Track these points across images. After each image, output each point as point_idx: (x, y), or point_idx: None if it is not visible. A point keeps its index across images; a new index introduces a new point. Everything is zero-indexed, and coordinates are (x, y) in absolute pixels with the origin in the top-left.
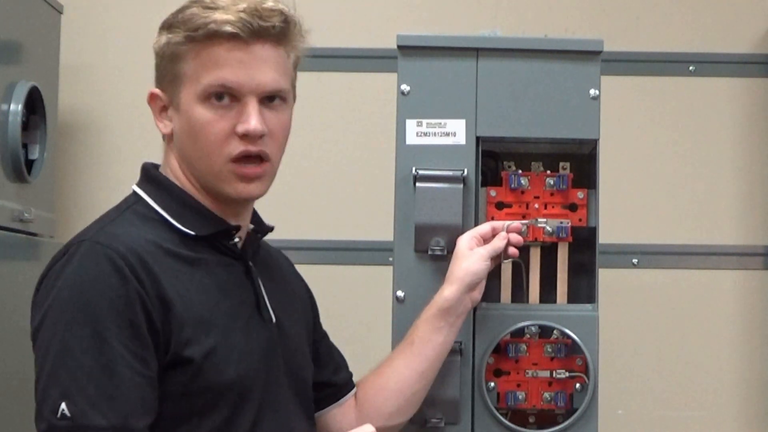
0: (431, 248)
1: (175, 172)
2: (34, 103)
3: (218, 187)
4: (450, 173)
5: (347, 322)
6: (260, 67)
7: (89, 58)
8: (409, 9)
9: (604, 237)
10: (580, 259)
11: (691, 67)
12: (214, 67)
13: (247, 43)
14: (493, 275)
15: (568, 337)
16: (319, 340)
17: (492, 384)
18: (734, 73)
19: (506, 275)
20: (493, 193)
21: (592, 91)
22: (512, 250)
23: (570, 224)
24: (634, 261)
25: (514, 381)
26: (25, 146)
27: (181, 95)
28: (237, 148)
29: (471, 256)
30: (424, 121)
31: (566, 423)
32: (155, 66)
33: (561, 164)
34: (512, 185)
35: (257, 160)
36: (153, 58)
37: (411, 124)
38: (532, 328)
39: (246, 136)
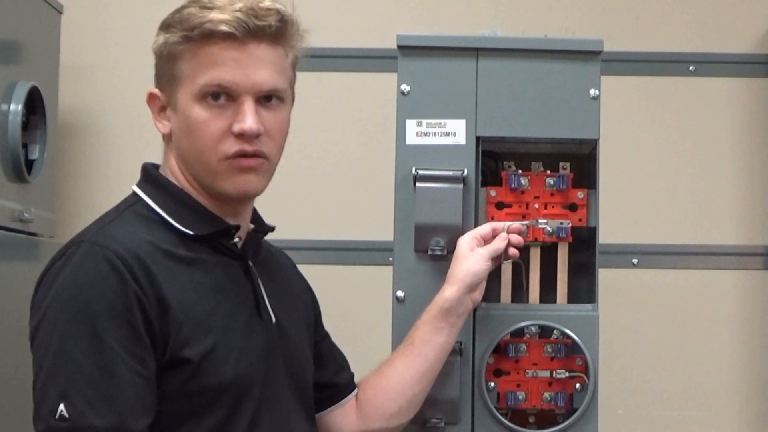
0: (431, 248)
1: (174, 172)
2: (34, 103)
3: (216, 185)
4: (450, 173)
5: (347, 322)
6: (256, 67)
7: (89, 58)
8: (409, 9)
9: (604, 237)
10: (580, 259)
11: (691, 67)
12: (211, 66)
13: (243, 42)
14: (493, 275)
15: (568, 337)
16: (320, 340)
17: (492, 384)
18: (734, 73)
19: (506, 275)
20: (493, 193)
21: (592, 91)
22: (513, 251)
23: (570, 225)
24: (634, 261)
25: (514, 381)
26: (25, 146)
27: (178, 95)
28: (233, 147)
29: (471, 257)
30: (424, 121)
31: (566, 423)
32: (154, 66)
33: (561, 164)
34: (512, 185)
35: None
36: (153, 58)
37: (411, 124)
38: (532, 328)
39: (242, 136)
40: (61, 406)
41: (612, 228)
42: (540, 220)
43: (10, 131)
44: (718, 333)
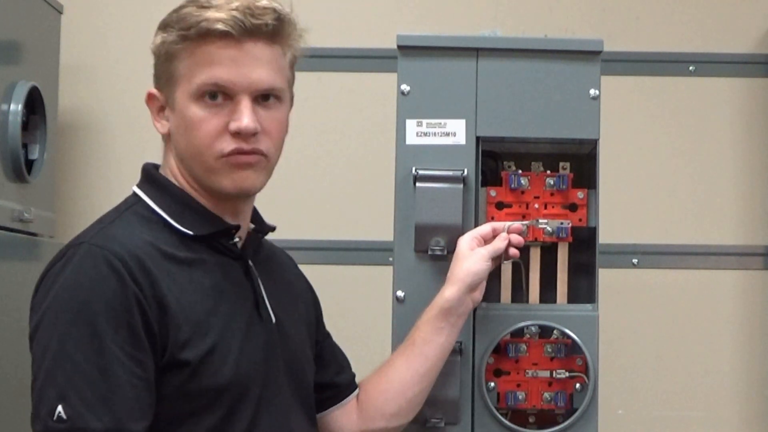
0: (431, 248)
1: (174, 172)
2: (34, 103)
3: (214, 182)
4: (450, 173)
5: (347, 322)
6: (253, 66)
7: (89, 58)
8: (409, 9)
9: (604, 237)
10: (580, 259)
11: (691, 67)
12: (207, 65)
13: (240, 41)
14: (493, 275)
15: (568, 337)
16: (322, 340)
17: (492, 384)
18: (734, 73)
19: (506, 275)
20: (493, 193)
21: (592, 91)
22: (513, 251)
23: (570, 225)
24: (634, 261)
25: (514, 381)
26: (25, 146)
27: (176, 94)
28: (230, 145)
29: (472, 257)
30: (424, 121)
31: (566, 423)
32: (153, 66)
33: (561, 164)
34: (512, 185)
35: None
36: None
37: (411, 124)
38: (532, 328)
39: (239, 134)
40: (59, 408)
41: (612, 228)
42: (541, 221)
43: (10, 131)
44: (718, 333)
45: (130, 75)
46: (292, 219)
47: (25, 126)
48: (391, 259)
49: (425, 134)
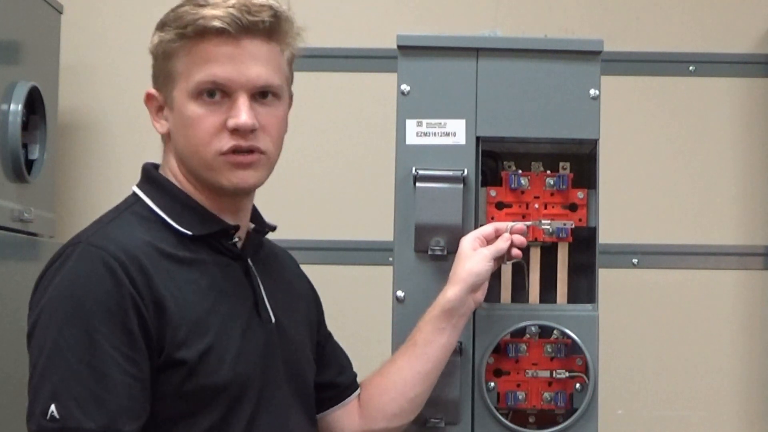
0: (431, 248)
1: (173, 172)
2: (34, 103)
3: (213, 180)
4: (450, 173)
5: (347, 322)
6: (250, 63)
7: (89, 58)
8: (409, 9)
9: (604, 237)
10: (580, 259)
11: (691, 67)
12: (205, 63)
13: (237, 38)
14: (494, 275)
15: (568, 337)
16: (323, 340)
17: (492, 384)
18: (734, 73)
19: (506, 275)
20: (493, 193)
21: (592, 91)
22: (515, 252)
23: (572, 225)
24: (634, 261)
25: (514, 381)
26: (25, 146)
27: (174, 93)
28: (228, 142)
29: (474, 257)
30: (424, 121)
31: (566, 423)
32: (152, 66)
33: (561, 164)
34: (512, 185)
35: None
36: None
37: (411, 124)
38: (532, 328)
39: (236, 131)
40: (52, 407)
41: (612, 228)
42: (543, 222)
43: (10, 131)
44: (718, 333)
45: (130, 75)
46: (292, 219)
47: (25, 126)
48: (391, 259)
49: (425, 134)
